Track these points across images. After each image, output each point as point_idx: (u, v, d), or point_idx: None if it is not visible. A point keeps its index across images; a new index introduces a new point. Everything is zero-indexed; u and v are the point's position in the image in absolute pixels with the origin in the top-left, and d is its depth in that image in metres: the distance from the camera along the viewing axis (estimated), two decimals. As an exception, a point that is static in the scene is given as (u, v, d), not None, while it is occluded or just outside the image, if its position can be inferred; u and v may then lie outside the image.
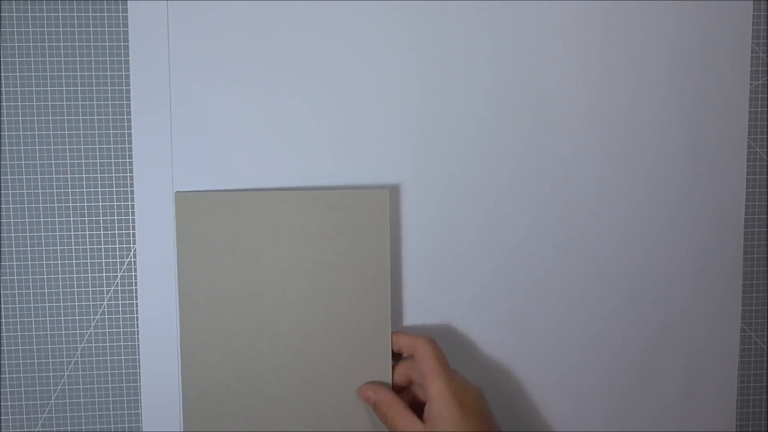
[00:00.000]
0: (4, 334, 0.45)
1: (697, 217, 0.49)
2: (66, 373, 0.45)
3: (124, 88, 0.44)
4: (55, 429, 0.46)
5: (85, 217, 0.45)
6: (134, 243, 0.45)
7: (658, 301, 0.49)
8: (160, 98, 0.44)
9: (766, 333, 0.50)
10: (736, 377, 0.50)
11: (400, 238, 0.46)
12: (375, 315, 0.46)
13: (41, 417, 0.45)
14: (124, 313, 0.45)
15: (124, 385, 0.46)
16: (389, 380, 0.46)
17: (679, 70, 0.48)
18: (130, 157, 0.45)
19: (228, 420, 0.45)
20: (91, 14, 0.44)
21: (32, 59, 0.44)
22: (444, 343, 0.47)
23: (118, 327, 0.45)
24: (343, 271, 0.46)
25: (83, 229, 0.45)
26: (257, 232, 0.45)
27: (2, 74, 0.44)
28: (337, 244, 0.45)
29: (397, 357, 0.45)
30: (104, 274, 0.45)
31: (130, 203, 0.45)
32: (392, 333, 0.45)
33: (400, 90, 0.46)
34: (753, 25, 0.48)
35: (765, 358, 0.50)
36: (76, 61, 0.44)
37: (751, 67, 0.48)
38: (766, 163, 0.49)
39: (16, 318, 0.45)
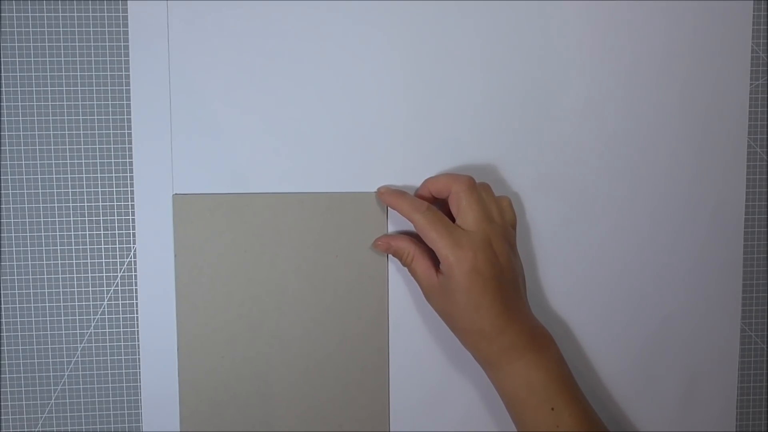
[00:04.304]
0: (4, 334, 0.45)
1: (697, 217, 0.49)
2: (66, 373, 0.45)
3: (124, 88, 0.44)
4: (55, 429, 0.46)
5: (85, 217, 0.45)
6: (134, 243, 0.45)
7: (658, 301, 0.49)
8: (160, 98, 0.44)
9: (766, 333, 0.50)
10: (736, 377, 0.50)
11: (400, 238, 0.46)
12: (373, 316, 0.46)
13: (41, 417, 0.45)
14: (124, 313, 0.45)
15: (124, 385, 0.46)
16: (387, 381, 0.46)
17: (680, 70, 0.48)
18: (130, 157, 0.45)
19: (226, 421, 0.45)
20: (91, 14, 0.44)
21: (32, 59, 0.44)
22: (440, 342, 0.47)
23: (118, 327, 0.45)
24: (341, 272, 0.46)
25: (83, 229, 0.45)
26: (256, 235, 0.45)
27: (2, 74, 0.44)
28: (336, 245, 0.45)
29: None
30: (104, 274, 0.45)
31: (130, 203, 0.45)
32: (427, 179, 0.45)
33: (399, 93, 0.46)
34: (753, 25, 0.48)
35: (765, 358, 0.50)
36: (76, 61, 0.44)
37: (751, 67, 0.48)
38: (766, 163, 0.49)
39: (16, 318, 0.45)
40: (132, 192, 0.45)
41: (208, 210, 0.45)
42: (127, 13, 0.44)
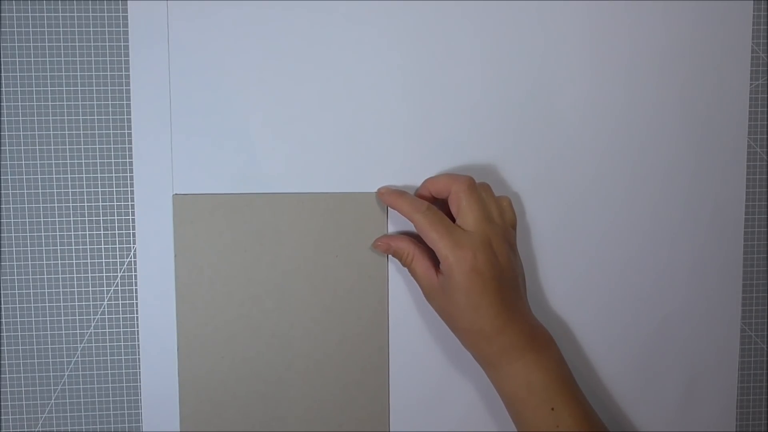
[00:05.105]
0: (4, 334, 0.45)
1: (697, 217, 0.49)
2: (66, 373, 0.45)
3: (124, 88, 0.44)
4: (55, 429, 0.46)
5: (85, 217, 0.45)
6: (134, 243, 0.45)
7: (657, 301, 0.49)
8: (160, 98, 0.44)
9: (766, 333, 0.50)
10: (736, 377, 0.50)
11: (400, 238, 0.46)
12: (373, 316, 0.46)
13: (41, 417, 0.45)
14: (124, 313, 0.45)
15: (124, 385, 0.46)
16: (387, 381, 0.46)
17: (679, 70, 0.48)
18: (130, 157, 0.45)
19: (226, 421, 0.45)
20: (91, 14, 0.44)
21: (32, 59, 0.44)
22: (440, 342, 0.47)
23: (118, 327, 0.45)
24: (341, 272, 0.46)
25: (83, 229, 0.45)
26: (256, 235, 0.45)
27: (2, 74, 0.44)
28: (336, 245, 0.45)
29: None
30: (104, 274, 0.45)
31: (130, 203, 0.45)
32: (427, 179, 0.45)
33: (399, 93, 0.46)
34: (753, 25, 0.48)
35: (765, 358, 0.50)
36: (76, 61, 0.44)
37: (751, 67, 0.48)
38: (766, 163, 0.49)
39: (16, 318, 0.45)
40: (132, 192, 0.45)
41: (208, 210, 0.45)
42: (127, 13, 0.44)
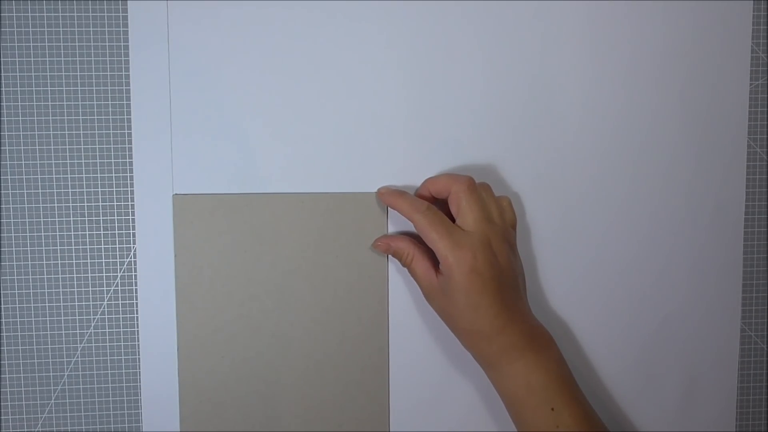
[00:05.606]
0: (4, 334, 0.45)
1: (697, 217, 0.49)
2: (66, 373, 0.45)
3: (124, 88, 0.44)
4: (55, 429, 0.46)
5: (85, 217, 0.45)
6: (134, 243, 0.45)
7: (657, 301, 0.49)
8: (160, 98, 0.44)
9: (766, 333, 0.50)
10: (736, 377, 0.50)
11: (400, 238, 0.46)
12: (373, 316, 0.46)
13: (41, 417, 0.45)
14: (124, 313, 0.45)
15: (124, 385, 0.46)
16: (387, 381, 0.46)
17: (679, 70, 0.48)
18: (130, 157, 0.45)
19: (226, 421, 0.45)
20: (91, 14, 0.44)
21: (32, 59, 0.44)
22: (440, 342, 0.47)
23: (118, 327, 0.45)
24: (341, 272, 0.46)
25: (83, 229, 0.45)
26: (256, 235, 0.45)
27: (2, 74, 0.44)
28: (336, 245, 0.45)
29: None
30: (104, 274, 0.45)
31: (130, 203, 0.45)
32: (427, 179, 0.45)
33: (399, 93, 0.46)
34: (753, 25, 0.48)
35: (765, 358, 0.50)
36: (76, 61, 0.44)
37: (751, 67, 0.48)
38: (766, 163, 0.49)
39: (16, 318, 0.45)
40: (132, 192, 0.45)
41: (208, 210, 0.45)
42: (127, 13, 0.44)
